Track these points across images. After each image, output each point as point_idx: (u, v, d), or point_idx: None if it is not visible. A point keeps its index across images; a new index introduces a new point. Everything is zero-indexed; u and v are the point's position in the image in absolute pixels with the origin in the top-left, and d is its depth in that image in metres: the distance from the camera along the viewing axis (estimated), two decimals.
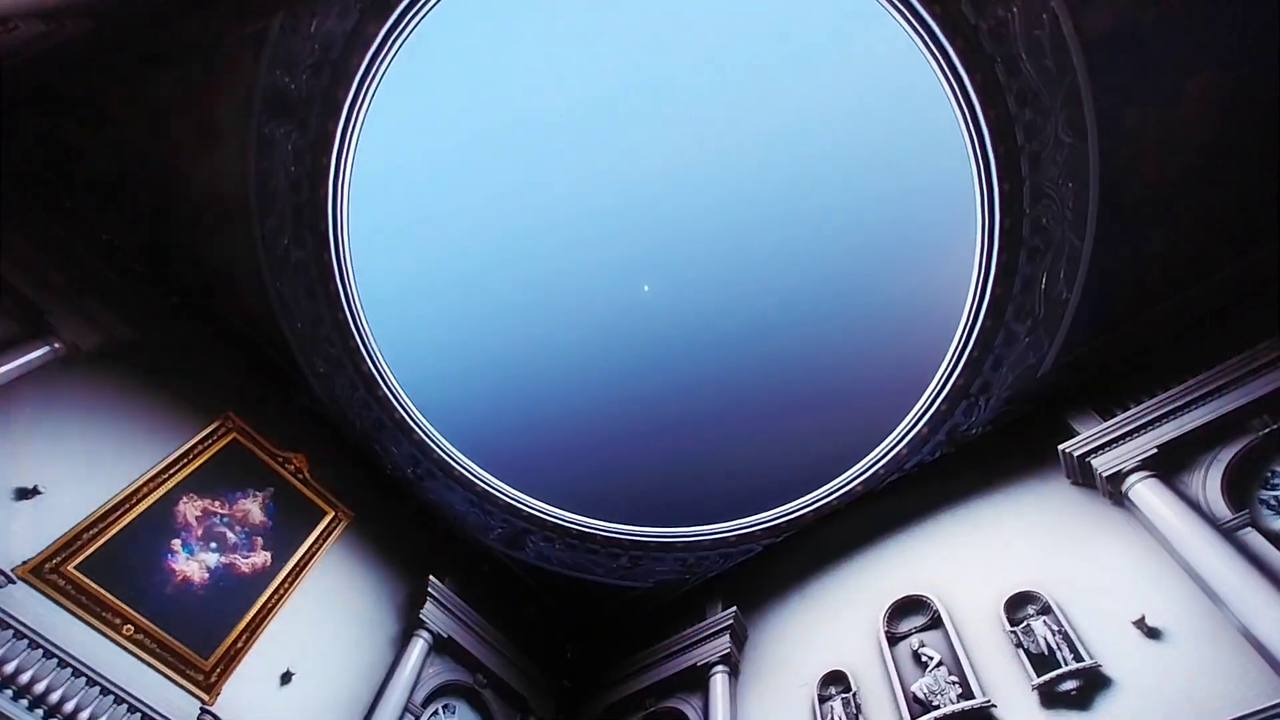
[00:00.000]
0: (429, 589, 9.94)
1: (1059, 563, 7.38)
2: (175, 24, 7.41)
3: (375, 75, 8.63)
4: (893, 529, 9.20)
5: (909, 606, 8.24)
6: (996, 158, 7.69)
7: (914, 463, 9.43)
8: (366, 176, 9.69)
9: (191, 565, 8.03)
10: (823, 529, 9.88)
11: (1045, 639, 6.90)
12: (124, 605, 7.14)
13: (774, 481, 10.48)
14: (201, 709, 7.02)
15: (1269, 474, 6.34)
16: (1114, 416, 7.68)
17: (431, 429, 10.61)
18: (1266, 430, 6.54)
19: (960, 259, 8.60)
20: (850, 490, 9.72)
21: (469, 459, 10.84)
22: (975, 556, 8.15)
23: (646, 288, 14.55)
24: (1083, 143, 7.27)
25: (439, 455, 10.55)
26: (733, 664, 9.30)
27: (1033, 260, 8.02)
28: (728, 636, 9.48)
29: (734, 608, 9.76)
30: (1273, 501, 6.20)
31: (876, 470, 9.55)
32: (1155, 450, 7.11)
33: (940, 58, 7.54)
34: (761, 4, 12.61)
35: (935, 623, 7.90)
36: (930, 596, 8.08)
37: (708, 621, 9.86)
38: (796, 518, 10.04)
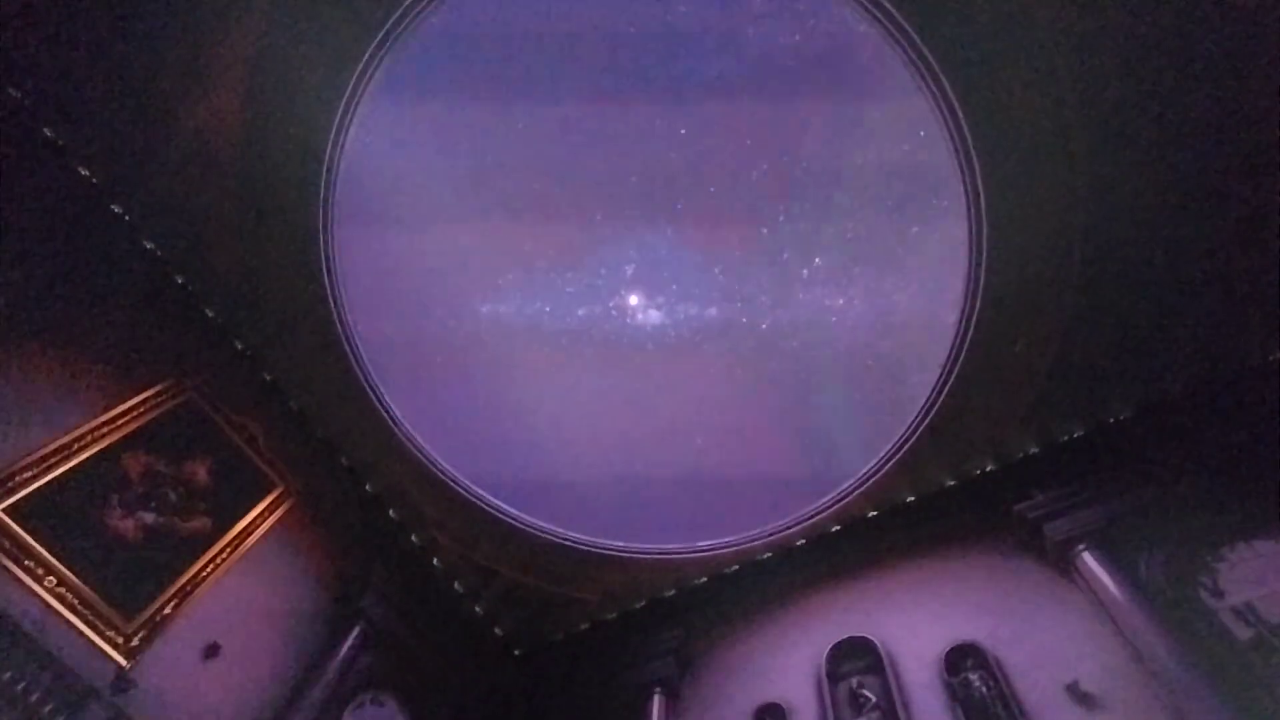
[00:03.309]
0: (373, 578, 9.62)
1: (1003, 620, 7.56)
2: None
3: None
4: (846, 570, 9.31)
5: (853, 647, 8.31)
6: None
7: (874, 506, 9.59)
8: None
9: (127, 523, 7.63)
10: (777, 562, 9.94)
11: (982, 693, 7.05)
12: (49, 556, 6.73)
13: (737, 506, 10.52)
14: (118, 673, 6.64)
15: (1210, 558, 6.65)
16: (1069, 484, 7.96)
17: (397, 412, 10.37)
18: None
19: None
20: (809, 526, 9.82)
21: (430, 447, 10.62)
22: (923, 605, 8.29)
23: (634, 299, 14.52)
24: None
25: (401, 440, 10.30)
26: (673, 688, 9.21)
27: (1011, 325, 8.34)
28: (671, 659, 9.40)
29: (680, 630, 9.72)
30: (1210, 584, 6.49)
31: (837, 509, 9.68)
32: (1105, 522, 7.38)
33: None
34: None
35: (876, 666, 7.99)
36: (874, 640, 8.17)
37: (652, 641, 9.78)
38: (752, 548, 10.08)
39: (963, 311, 8.43)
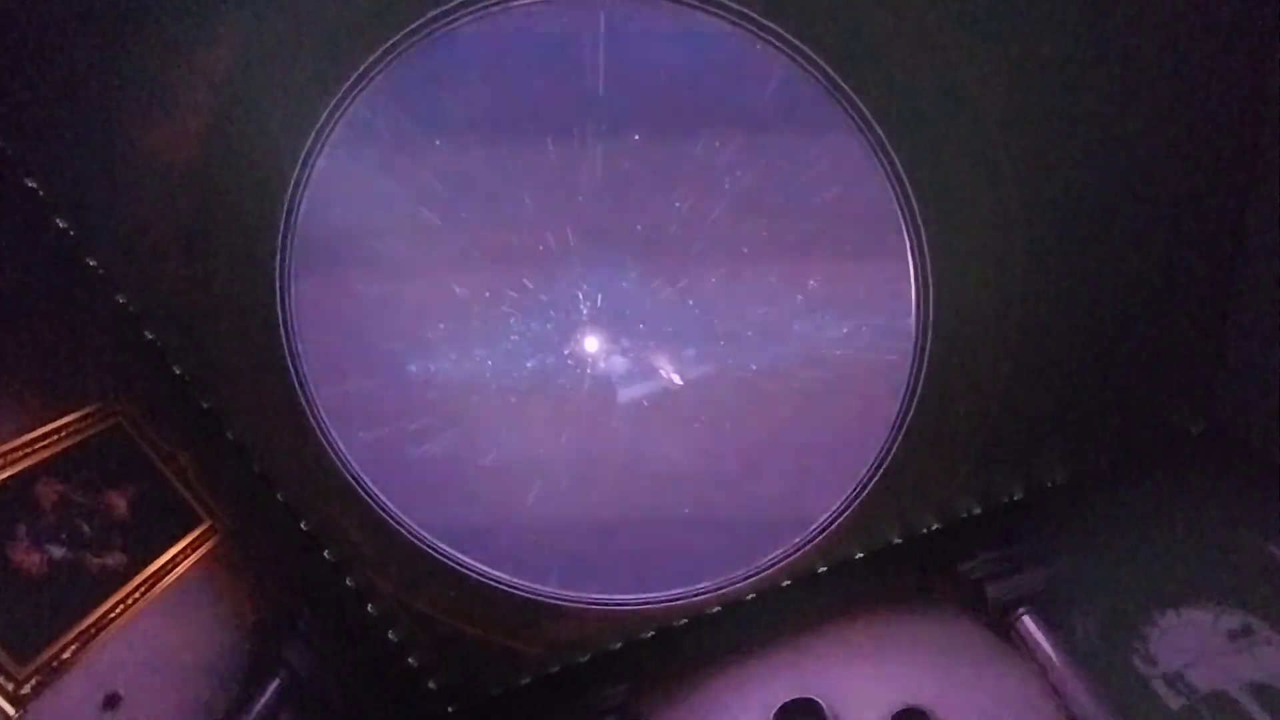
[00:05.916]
0: (300, 624, 9.07)
1: (948, 684, 7.57)
2: None
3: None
4: (794, 626, 9.23)
5: (799, 709, 8.18)
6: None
7: (825, 561, 9.59)
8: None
9: (33, 556, 7.04)
10: (726, 616, 9.77)
11: None
12: None
13: (688, 557, 10.33)
14: None
15: (1143, 624, 6.83)
16: (1010, 546, 8.14)
17: (341, 447, 9.99)
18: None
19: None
20: (760, 580, 9.74)
21: (376, 486, 10.23)
22: (869, 665, 8.27)
23: (593, 345, 14.44)
24: None
25: (344, 477, 9.90)
26: None
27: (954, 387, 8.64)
28: (614, 717, 9.06)
29: (625, 685, 9.39)
30: (1142, 651, 6.65)
31: (789, 562, 9.64)
32: (1044, 585, 7.55)
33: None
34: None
35: None
36: (820, 701, 8.06)
37: (595, 698, 9.40)
38: (702, 601, 9.90)
39: (910, 372, 8.70)
